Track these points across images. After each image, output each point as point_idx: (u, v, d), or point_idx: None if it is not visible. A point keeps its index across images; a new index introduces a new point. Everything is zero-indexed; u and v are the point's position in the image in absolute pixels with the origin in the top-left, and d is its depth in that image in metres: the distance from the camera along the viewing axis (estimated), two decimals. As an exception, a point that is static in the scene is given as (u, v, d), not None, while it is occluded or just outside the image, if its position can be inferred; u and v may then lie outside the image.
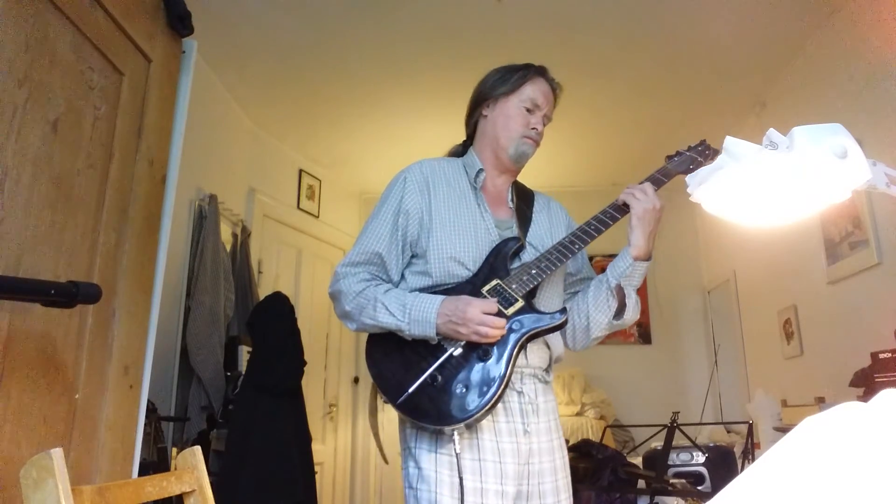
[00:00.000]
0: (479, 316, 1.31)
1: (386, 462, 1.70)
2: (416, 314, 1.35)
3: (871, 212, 2.74)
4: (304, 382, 3.03)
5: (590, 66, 3.50)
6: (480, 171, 1.57)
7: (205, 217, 3.36)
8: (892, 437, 0.45)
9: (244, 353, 3.50)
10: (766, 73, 3.55)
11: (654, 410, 4.28)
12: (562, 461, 1.47)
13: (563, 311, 1.41)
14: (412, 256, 1.50)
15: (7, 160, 1.17)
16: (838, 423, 0.48)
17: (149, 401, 1.77)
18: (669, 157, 1.61)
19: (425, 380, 1.32)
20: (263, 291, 3.75)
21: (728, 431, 3.99)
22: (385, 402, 1.37)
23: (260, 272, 4.05)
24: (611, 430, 4.16)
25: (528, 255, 1.51)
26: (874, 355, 2.33)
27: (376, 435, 1.54)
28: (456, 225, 1.48)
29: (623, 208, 1.48)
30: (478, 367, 1.33)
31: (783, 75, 3.53)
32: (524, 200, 1.64)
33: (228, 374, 3.25)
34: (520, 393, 1.42)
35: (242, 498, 2.59)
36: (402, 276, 1.51)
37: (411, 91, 3.77)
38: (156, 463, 2.46)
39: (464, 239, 1.47)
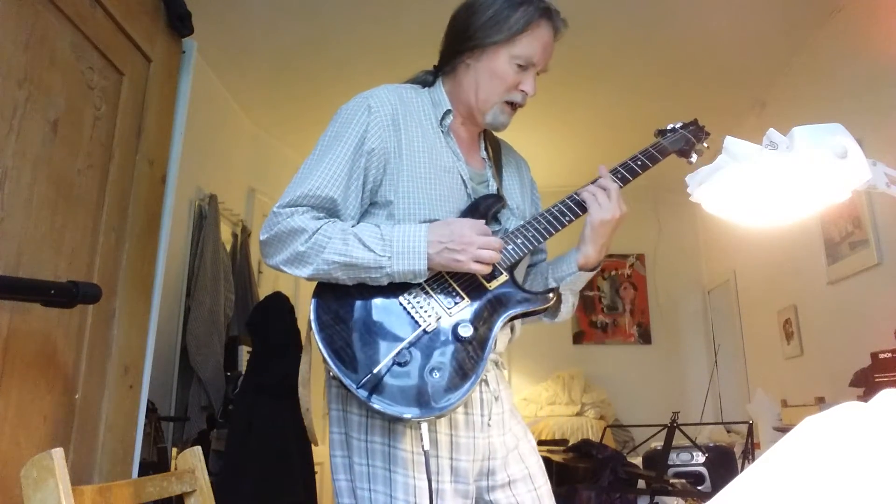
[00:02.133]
0: (479, 238, 1.12)
1: (315, 444, 1.43)
2: (401, 245, 1.12)
3: (871, 212, 2.75)
4: (304, 382, 3.03)
5: (589, 66, 3.50)
6: (448, 112, 1.31)
7: (205, 217, 3.36)
8: (892, 437, 0.45)
9: (244, 353, 3.50)
10: (766, 73, 3.55)
11: (654, 410, 4.28)
12: (530, 445, 1.30)
13: (554, 290, 1.23)
14: (370, 204, 1.25)
15: (7, 160, 1.17)
16: (838, 423, 0.48)
17: (149, 401, 1.77)
18: (662, 132, 1.43)
19: (393, 357, 1.09)
20: (263, 291, 3.75)
21: (728, 431, 3.99)
22: (333, 377, 1.11)
23: (260, 272, 4.05)
24: (611, 430, 4.16)
25: (505, 216, 1.33)
26: (874, 355, 2.33)
27: (308, 410, 1.30)
28: (429, 174, 1.24)
29: (583, 206, 1.26)
30: (455, 347, 1.12)
31: (783, 75, 3.53)
32: (496, 151, 1.42)
33: (228, 374, 3.25)
34: (484, 381, 1.23)
35: (242, 498, 2.59)
36: None
37: (411, 91, 3.77)
38: (156, 463, 2.46)
39: (438, 192, 1.24)
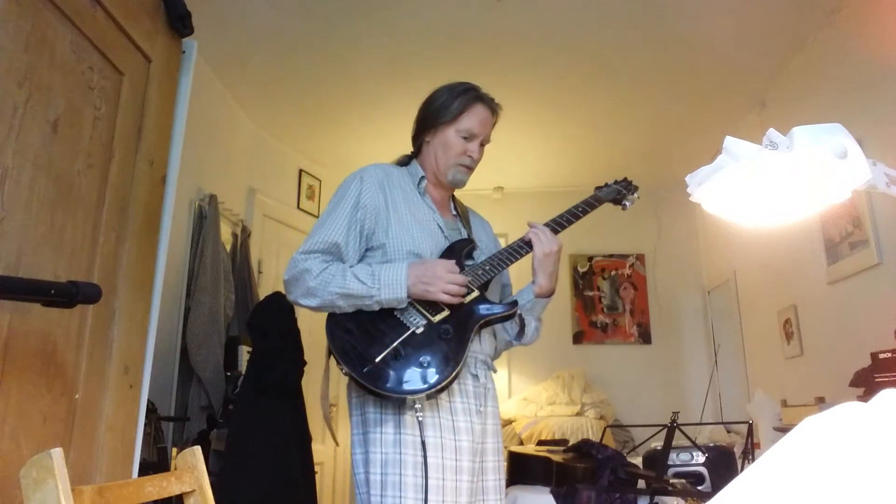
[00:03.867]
0: (447, 275, 1.47)
1: (337, 444, 1.84)
2: (387, 279, 1.46)
3: (871, 212, 2.74)
4: (304, 382, 3.03)
5: (590, 66, 3.49)
6: (422, 178, 1.72)
7: (205, 217, 3.36)
8: (892, 437, 0.45)
9: (244, 353, 3.50)
10: (766, 73, 3.55)
11: (654, 410, 4.28)
12: (501, 462, 1.61)
13: (514, 303, 1.57)
14: (367, 249, 1.60)
15: (7, 160, 1.17)
16: (838, 423, 0.48)
17: (149, 401, 1.77)
18: (598, 188, 1.83)
19: (389, 352, 1.42)
20: (263, 291, 3.74)
21: (728, 431, 3.99)
22: (345, 373, 1.44)
23: (260, 272, 4.05)
24: (611, 430, 4.16)
25: (476, 255, 1.68)
26: (874, 355, 2.34)
27: (328, 418, 1.63)
28: (411, 222, 1.60)
29: (530, 245, 1.62)
30: (439, 344, 1.45)
31: (783, 75, 3.53)
32: (464, 212, 1.83)
33: (228, 374, 3.25)
34: (475, 376, 1.56)
35: (242, 498, 2.59)
36: None
37: (411, 90, 3.76)
38: (156, 463, 2.46)
39: (420, 234, 1.59)
